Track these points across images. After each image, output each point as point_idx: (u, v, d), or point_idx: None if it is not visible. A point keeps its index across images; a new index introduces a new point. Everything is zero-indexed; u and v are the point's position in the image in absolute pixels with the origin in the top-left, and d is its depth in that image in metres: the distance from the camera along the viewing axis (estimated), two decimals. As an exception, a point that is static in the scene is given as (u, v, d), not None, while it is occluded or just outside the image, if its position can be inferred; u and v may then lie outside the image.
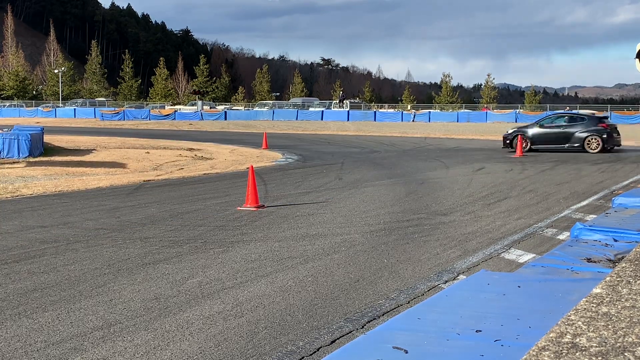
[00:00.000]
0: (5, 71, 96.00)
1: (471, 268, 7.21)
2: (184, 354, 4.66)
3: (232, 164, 21.01)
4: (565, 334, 2.01)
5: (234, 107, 79.55)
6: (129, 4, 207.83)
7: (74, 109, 71.69)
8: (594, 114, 34.81)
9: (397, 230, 9.43)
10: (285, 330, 5.17)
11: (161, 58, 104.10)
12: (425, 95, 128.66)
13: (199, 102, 72.20)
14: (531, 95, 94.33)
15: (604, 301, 2.37)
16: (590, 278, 3.97)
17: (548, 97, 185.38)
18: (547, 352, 1.87)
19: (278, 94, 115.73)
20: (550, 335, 2.01)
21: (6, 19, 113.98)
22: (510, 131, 26.81)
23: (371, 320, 5.40)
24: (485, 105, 79.83)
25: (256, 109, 73.77)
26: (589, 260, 4.67)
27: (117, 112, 67.43)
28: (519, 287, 3.74)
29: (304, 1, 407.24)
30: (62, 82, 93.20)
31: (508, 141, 26.32)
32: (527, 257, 7.78)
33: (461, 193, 13.59)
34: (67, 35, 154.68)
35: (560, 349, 1.90)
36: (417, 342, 2.82)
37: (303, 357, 4.61)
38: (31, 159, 22.18)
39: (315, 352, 4.70)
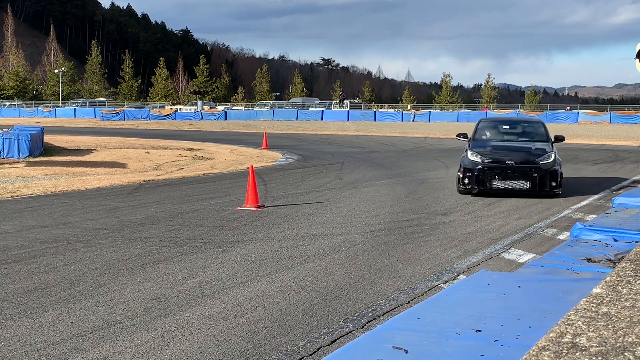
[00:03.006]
0: (6, 71, 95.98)
1: (471, 268, 7.22)
2: (184, 354, 4.66)
3: (232, 164, 21.00)
4: (565, 334, 2.01)
5: (234, 107, 79.52)
6: (129, 4, 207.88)
7: (74, 109, 71.67)
8: None
9: (397, 230, 9.43)
10: (285, 330, 5.17)
11: (161, 58, 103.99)
12: (425, 95, 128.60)
13: (199, 102, 72.16)
14: (531, 95, 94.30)
15: (604, 301, 2.37)
16: (590, 278, 3.97)
17: (548, 97, 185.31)
18: (547, 352, 1.87)
19: (278, 94, 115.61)
20: (550, 335, 2.01)
21: (6, 19, 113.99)
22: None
23: (371, 320, 5.40)
24: (486, 105, 79.82)
25: (256, 109, 73.76)
26: (589, 260, 4.67)
27: (117, 112, 67.41)
28: (519, 287, 3.74)
29: (305, 1, 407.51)
30: (62, 82, 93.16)
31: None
32: (527, 257, 7.79)
33: (461, 193, 13.57)
34: (67, 35, 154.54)
35: (560, 348, 1.90)
36: (417, 342, 2.83)
37: (303, 357, 4.61)
38: (31, 159, 22.17)
39: (315, 352, 4.70)
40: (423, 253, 8.01)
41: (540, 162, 12.84)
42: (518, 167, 12.76)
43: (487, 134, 14.61)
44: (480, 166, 12.87)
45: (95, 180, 15.70)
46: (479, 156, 13.09)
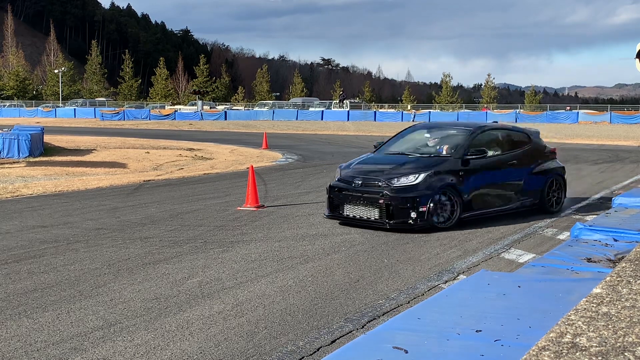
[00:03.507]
0: (6, 71, 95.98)
1: (471, 268, 7.22)
2: (184, 354, 4.66)
3: (232, 164, 21.00)
4: (566, 334, 2.01)
5: (234, 107, 79.54)
6: (129, 4, 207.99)
7: (74, 109, 71.68)
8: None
9: (397, 230, 9.42)
10: (285, 330, 5.17)
11: (161, 58, 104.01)
12: (425, 95, 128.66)
13: (199, 102, 72.18)
14: (531, 95, 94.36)
15: (604, 301, 2.37)
16: (590, 278, 3.97)
17: (548, 97, 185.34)
18: (547, 352, 1.87)
19: (278, 94, 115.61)
20: (551, 335, 2.01)
21: (6, 19, 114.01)
22: None
23: (371, 320, 5.40)
24: (485, 105, 79.86)
25: (256, 109, 73.77)
26: (589, 260, 4.67)
27: (117, 112, 67.41)
28: (519, 287, 3.74)
29: (305, 1, 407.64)
30: (62, 82, 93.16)
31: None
32: (527, 257, 7.79)
33: (461, 193, 13.56)
34: (67, 35, 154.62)
35: (561, 348, 1.90)
36: (417, 342, 2.83)
37: (303, 357, 4.61)
38: (31, 159, 22.17)
39: (315, 352, 4.71)
40: (423, 253, 8.02)
41: (394, 185, 9.49)
42: (364, 189, 9.67)
43: (393, 144, 11.20)
44: (331, 186, 10.16)
45: (95, 180, 15.70)
46: (339, 174, 10.36)
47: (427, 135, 11.18)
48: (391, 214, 9.37)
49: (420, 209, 9.30)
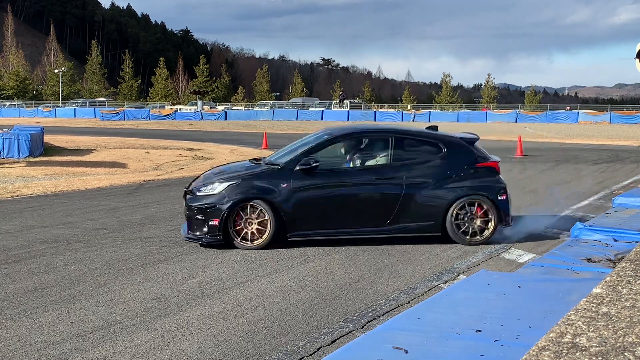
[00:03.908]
0: (6, 71, 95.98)
1: (471, 268, 7.22)
2: (184, 354, 4.66)
3: (232, 164, 20.99)
4: (566, 334, 2.01)
5: (234, 107, 79.52)
6: (129, 4, 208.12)
7: (74, 109, 71.63)
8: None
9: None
10: (285, 330, 5.17)
11: (161, 58, 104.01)
12: (425, 95, 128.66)
13: (199, 102, 72.15)
14: (531, 95, 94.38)
15: (604, 301, 2.37)
16: (590, 278, 3.98)
17: (548, 97, 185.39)
18: (547, 352, 1.87)
19: (278, 94, 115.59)
20: (551, 335, 2.01)
21: (6, 19, 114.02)
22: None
23: (371, 320, 5.40)
24: (486, 105, 79.86)
25: (256, 109, 73.76)
26: (589, 260, 4.68)
27: (117, 112, 67.37)
28: (519, 287, 3.74)
29: (306, 1, 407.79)
30: (62, 82, 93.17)
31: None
32: (527, 257, 7.79)
33: (461, 193, 13.55)
34: (67, 35, 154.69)
35: (561, 348, 1.90)
36: (417, 342, 2.83)
37: (303, 357, 4.61)
38: (31, 159, 22.16)
39: (315, 352, 4.71)
40: (423, 253, 8.02)
41: (197, 194, 8.42)
42: (186, 197, 8.66)
43: (280, 151, 9.59)
44: None
45: (95, 180, 15.70)
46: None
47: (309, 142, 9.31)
48: (189, 225, 8.42)
49: (211, 222, 8.12)
